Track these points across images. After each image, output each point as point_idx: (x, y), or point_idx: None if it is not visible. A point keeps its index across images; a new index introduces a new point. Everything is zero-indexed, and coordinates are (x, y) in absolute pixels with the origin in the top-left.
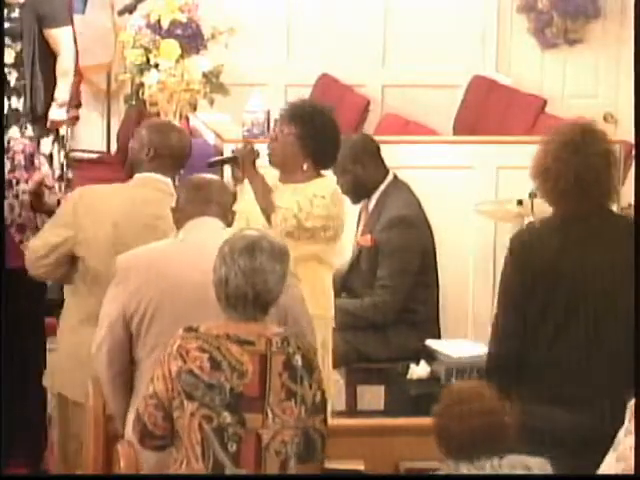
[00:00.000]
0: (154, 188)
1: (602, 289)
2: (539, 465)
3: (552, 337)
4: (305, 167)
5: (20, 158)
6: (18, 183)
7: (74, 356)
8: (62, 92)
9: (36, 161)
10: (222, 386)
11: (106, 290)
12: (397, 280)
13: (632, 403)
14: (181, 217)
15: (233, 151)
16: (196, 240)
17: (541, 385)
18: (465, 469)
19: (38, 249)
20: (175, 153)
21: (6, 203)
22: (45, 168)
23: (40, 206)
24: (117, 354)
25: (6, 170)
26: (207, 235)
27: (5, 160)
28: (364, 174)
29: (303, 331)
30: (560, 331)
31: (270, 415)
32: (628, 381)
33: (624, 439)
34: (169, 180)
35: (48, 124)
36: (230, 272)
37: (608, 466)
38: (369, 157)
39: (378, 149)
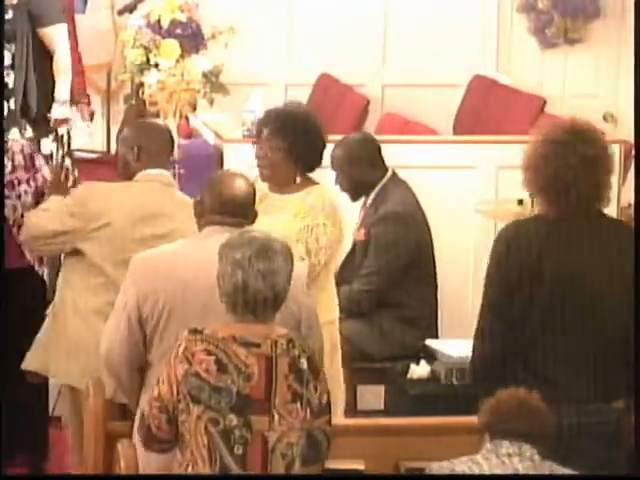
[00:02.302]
0: (160, 182)
1: (583, 291)
2: None
3: (533, 337)
4: (298, 180)
5: (19, 159)
6: (20, 184)
7: (82, 344)
8: (62, 90)
9: (37, 162)
10: (228, 389)
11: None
12: (379, 272)
13: None
14: (204, 222)
15: None
16: (212, 245)
17: (521, 386)
18: (505, 449)
19: (41, 229)
20: (161, 147)
21: (9, 204)
22: (45, 169)
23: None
24: (134, 353)
25: (7, 171)
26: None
27: (5, 161)
28: (361, 175)
29: (313, 342)
30: (541, 332)
31: (276, 417)
32: (611, 383)
33: None
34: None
35: (51, 123)
36: (249, 277)
37: None
38: (366, 158)
39: (378, 148)
